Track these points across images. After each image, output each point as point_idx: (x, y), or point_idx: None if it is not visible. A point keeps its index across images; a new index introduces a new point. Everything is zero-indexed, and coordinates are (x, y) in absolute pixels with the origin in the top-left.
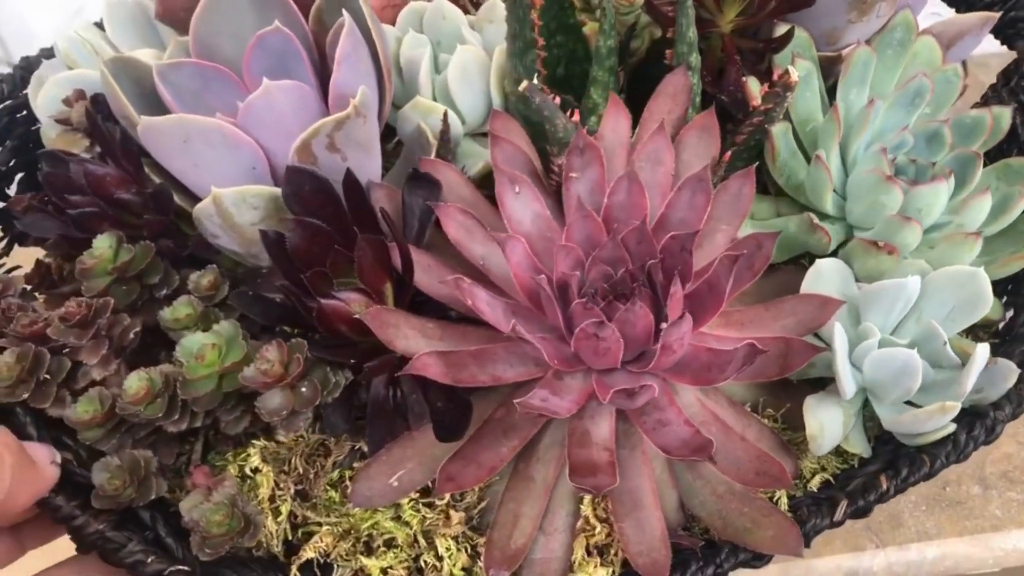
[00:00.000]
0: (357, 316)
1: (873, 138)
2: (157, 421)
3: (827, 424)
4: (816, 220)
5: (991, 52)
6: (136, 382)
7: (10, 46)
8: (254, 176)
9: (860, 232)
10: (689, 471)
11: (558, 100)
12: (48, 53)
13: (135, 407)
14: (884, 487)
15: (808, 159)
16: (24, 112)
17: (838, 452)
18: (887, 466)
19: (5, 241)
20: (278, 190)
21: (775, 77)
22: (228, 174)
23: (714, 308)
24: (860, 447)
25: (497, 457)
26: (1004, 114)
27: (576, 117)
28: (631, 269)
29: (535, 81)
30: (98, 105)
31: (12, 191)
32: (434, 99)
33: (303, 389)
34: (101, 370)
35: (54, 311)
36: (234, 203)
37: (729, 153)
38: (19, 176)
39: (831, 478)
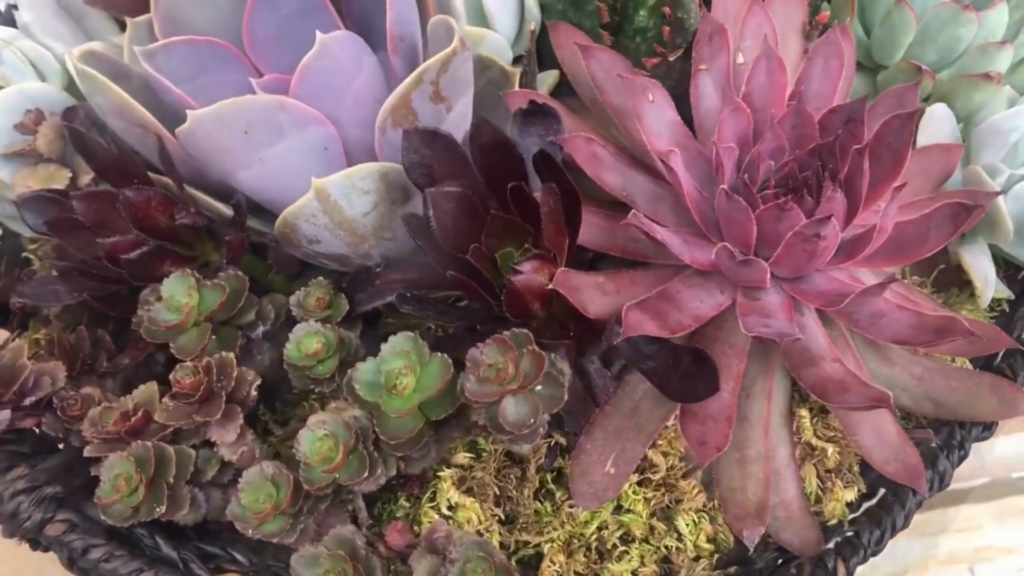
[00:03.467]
0: (550, 287)
1: None
2: (355, 484)
3: (988, 274)
4: (923, 65)
5: None
6: (316, 443)
7: None
8: (327, 158)
9: None
10: (883, 363)
11: None
12: None
13: (329, 475)
14: None
15: None
16: None
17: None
18: None
19: None
20: (389, 165)
21: None
22: (297, 164)
23: (893, 177)
24: (1005, 291)
25: (725, 404)
26: None
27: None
28: (797, 156)
29: None
30: (74, 122)
31: None
32: None
33: (539, 388)
34: (237, 446)
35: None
36: (343, 192)
37: (827, 13)
38: None
39: None
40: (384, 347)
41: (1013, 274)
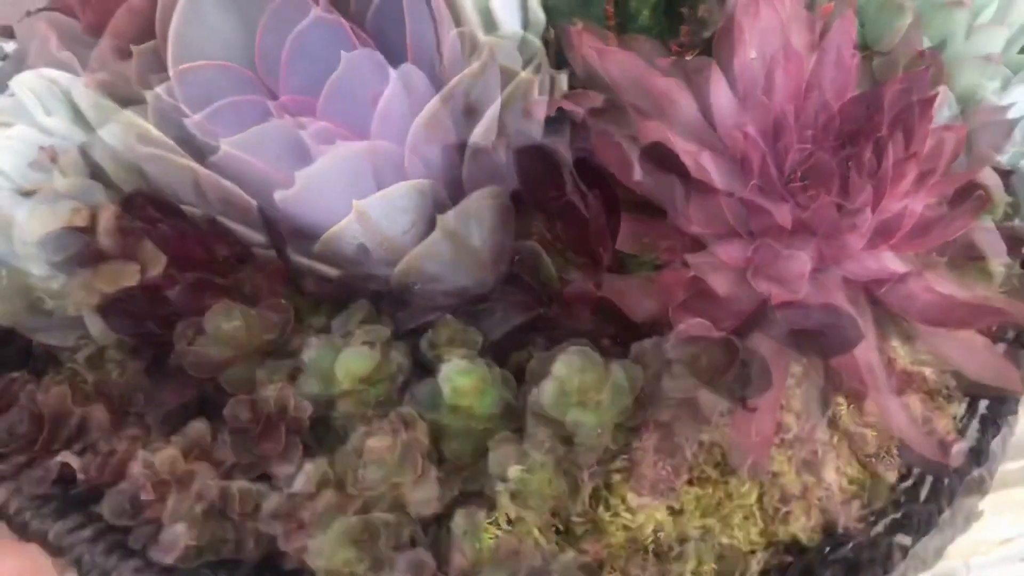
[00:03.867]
0: (602, 295)
1: None
2: (424, 507)
3: (1000, 250)
4: (924, 50)
5: None
6: (384, 468)
7: None
8: (359, 178)
9: None
10: (907, 341)
11: None
12: None
13: (399, 500)
14: None
15: None
16: None
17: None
18: None
19: None
20: (425, 182)
21: None
22: (330, 185)
23: (915, 162)
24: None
25: (773, 398)
26: None
27: None
28: (821, 147)
29: None
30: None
31: None
32: None
33: (602, 397)
34: (298, 477)
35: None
36: (384, 212)
37: (832, 5)
38: None
39: None
40: (444, 367)
41: (1017, 248)
